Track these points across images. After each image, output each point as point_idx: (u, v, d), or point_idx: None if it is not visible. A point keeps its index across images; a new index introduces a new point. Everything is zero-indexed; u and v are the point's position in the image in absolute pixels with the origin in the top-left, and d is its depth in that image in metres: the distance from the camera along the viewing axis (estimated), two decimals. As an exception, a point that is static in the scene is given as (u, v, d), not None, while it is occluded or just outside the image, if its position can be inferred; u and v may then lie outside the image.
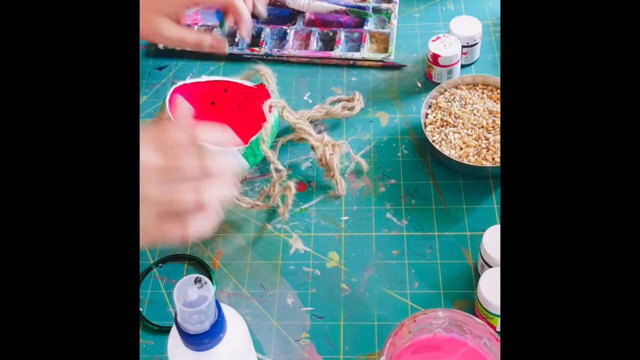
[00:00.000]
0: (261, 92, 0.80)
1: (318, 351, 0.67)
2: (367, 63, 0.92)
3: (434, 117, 0.83)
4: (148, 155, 0.50)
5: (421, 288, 0.68)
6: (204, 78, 0.81)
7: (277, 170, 0.76)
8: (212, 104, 0.82)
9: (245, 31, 0.82)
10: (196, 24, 0.97)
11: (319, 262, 0.73)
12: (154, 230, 0.51)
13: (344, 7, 0.96)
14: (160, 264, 0.73)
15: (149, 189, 0.50)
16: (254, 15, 0.98)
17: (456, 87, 0.85)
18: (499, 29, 0.95)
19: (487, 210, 0.76)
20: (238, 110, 0.81)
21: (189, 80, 0.80)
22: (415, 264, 0.72)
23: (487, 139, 0.79)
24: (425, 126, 0.82)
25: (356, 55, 0.93)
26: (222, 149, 0.53)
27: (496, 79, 0.85)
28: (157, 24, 0.80)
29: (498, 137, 0.79)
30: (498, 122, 0.80)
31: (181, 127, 0.52)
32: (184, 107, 0.63)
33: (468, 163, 0.77)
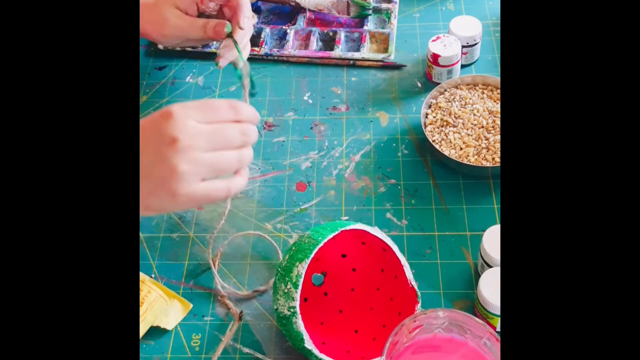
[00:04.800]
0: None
1: (318, 351, 0.67)
2: (367, 63, 0.93)
3: (434, 117, 0.83)
4: (194, 124, 0.54)
5: (421, 288, 0.68)
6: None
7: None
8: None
9: (243, 21, 0.78)
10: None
11: (319, 262, 0.73)
12: (199, 193, 0.55)
13: None
14: None
15: (197, 154, 0.54)
16: (255, 10, 0.98)
17: (456, 87, 0.85)
18: (499, 29, 0.95)
19: (487, 210, 0.76)
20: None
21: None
22: (415, 264, 0.72)
23: (487, 139, 0.79)
24: (425, 126, 0.82)
25: (356, 55, 0.93)
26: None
27: (496, 79, 0.85)
28: (167, 13, 0.79)
29: (498, 137, 0.79)
30: (498, 122, 0.80)
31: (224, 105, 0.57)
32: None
33: (468, 163, 0.77)
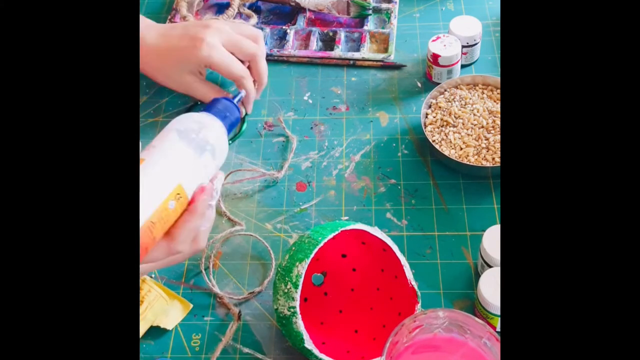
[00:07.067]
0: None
1: (318, 351, 0.67)
2: (367, 63, 0.92)
3: (434, 117, 0.83)
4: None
5: (421, 288, 0.68)
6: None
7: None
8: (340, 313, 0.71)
9: (249, 107, 0.85)
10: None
11: (319, 262, 0.73)
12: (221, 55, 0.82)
13: None
14: None
15: (223, 32, 0.83)
16: (255, 10, 0.98)
17: (456, 87, 0.85)
18: (499, 29, 0.95)
19: (487, 210, 0.76)
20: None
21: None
22: (415, 264, 0.72)
23: (487, 139, 0.79)
24: (425, 126, 0.82)
25: (356, 55, 0.93)
26: None
27: (496, 79, 0.85)
28: (187, 81, 0.84)
29: (498, 137, 0.79)
30: (498, 122, 0.80)
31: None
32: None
33: (468, 163, 0.77)
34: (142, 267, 0.58)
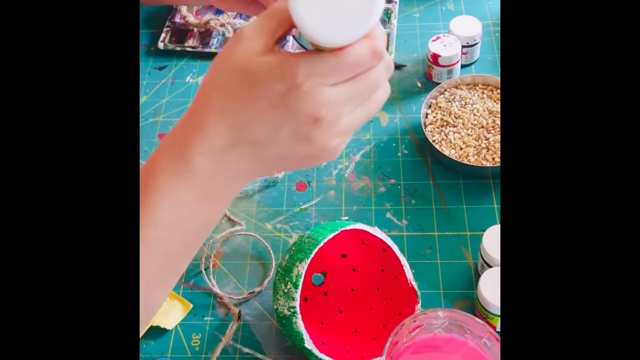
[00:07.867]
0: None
1: (318, 351, 0.67)
2: (367, 63, 0.92)
3: (434, 117, 0.83)
4: (332, 91, 0.43)
5: (421, 288, 0.68)
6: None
7: None
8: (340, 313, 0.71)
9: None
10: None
11: (319, 262, 0.73)
12: (345, 144, 0.47)
13: None
14: None
15: (345, 120, 0.44)
16: None
17: (456, 87, 0.85)
18: (499, 29, 0.95)
19: (487, 210, 0.76)
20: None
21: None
22: (415, 264, 0.72)
23: (487, 139, 0.79)
24: (425, 126, 0.82)
25: (356, 55, 0.92)
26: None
27: (496, 79, 0.85)
28: None
29: (498, 137, 0.79)
30: (498, 122, 0.80)
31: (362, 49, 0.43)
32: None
33: (468, 163, 0.77)
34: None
